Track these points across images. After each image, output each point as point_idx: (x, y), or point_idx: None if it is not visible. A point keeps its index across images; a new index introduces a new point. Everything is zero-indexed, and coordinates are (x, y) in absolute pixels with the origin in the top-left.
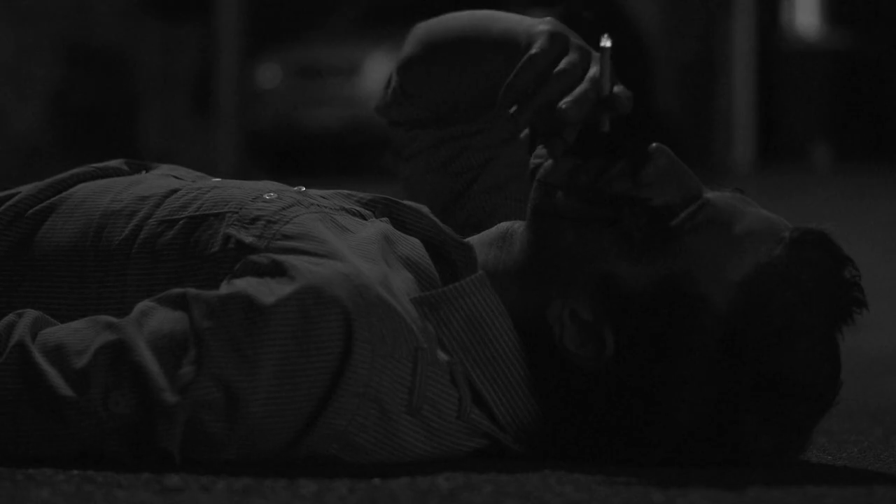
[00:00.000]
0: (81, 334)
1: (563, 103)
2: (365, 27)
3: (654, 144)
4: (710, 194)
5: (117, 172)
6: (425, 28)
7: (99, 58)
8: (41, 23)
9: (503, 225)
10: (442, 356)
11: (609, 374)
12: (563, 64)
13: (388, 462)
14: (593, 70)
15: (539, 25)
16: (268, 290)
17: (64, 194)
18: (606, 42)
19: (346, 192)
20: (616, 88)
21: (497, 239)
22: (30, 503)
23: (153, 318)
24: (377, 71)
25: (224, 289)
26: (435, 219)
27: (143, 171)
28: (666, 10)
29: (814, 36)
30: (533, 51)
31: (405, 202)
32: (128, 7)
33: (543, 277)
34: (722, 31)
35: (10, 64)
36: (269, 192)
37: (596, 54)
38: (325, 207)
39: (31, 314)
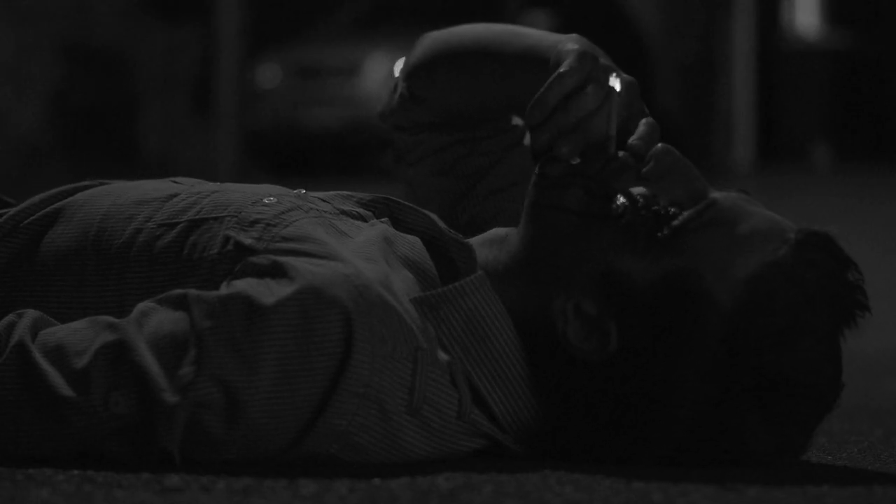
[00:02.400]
0: (82, 334)
1: (557, 142)
2: (365, 27)
3: (660, 144)
4: (716, 194)
5: None
6: (439, 36)
7: (99, 58)
8: (41, 23)
9: (500, 230)
10: (442, 356)
11: (611, 370)
12: (588, 88)
13: (388, 462)
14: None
15: (567, 43)
16: (268, 291)
17: (64, 202)
18: (616, 83)
19: (345, 193)
20: (642, 125)
21: (496, 240)
22: (30, 503)
23: (153, 319)
24: (377, 71)
25: (224, 289)
26: (435, 218)
27: None
28: (666, 10)
29: (814, 36)
30: (562, 69)
31: (405, 202)
32: (128, 7)
33: (542, 276)
34: (722, 31)
35: (10, 64)
36: (268, 197)
37: (624, 77)
38: (325, 212)
39: (31, 314)
